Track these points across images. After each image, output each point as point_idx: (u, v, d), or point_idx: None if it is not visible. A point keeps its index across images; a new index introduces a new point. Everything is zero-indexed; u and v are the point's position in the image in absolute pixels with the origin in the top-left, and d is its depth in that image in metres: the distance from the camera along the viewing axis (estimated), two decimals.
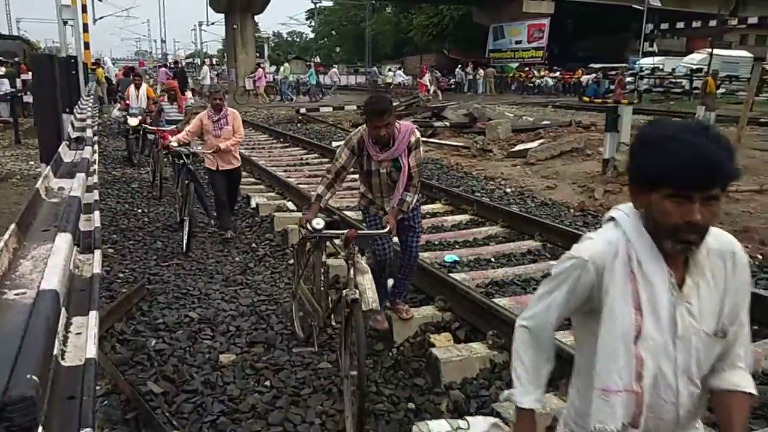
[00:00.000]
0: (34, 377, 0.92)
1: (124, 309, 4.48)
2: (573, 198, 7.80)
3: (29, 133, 14.62)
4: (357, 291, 2.98)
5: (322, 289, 3.55)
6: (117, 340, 4.00)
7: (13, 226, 1.79)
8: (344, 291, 3.02)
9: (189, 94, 21.35)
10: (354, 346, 2.84)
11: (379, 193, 3.68)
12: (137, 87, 10.84)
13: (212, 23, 57.49)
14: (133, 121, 10.14)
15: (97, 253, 2.03)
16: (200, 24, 63.30)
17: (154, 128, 8.68)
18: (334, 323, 3.63)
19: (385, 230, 3.36)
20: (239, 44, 32.54)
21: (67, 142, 3.88)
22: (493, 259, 5.50)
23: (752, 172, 8.49)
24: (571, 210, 7.29)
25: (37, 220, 2.08)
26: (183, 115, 7.87)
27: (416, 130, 3.63)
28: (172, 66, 30.22)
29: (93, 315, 1.51)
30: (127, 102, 10.87)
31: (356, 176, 3.95)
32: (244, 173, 7.60)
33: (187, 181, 6.10)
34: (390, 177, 3.58)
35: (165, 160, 7.92)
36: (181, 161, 6.20)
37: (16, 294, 1.41)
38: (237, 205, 7.09)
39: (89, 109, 8.72)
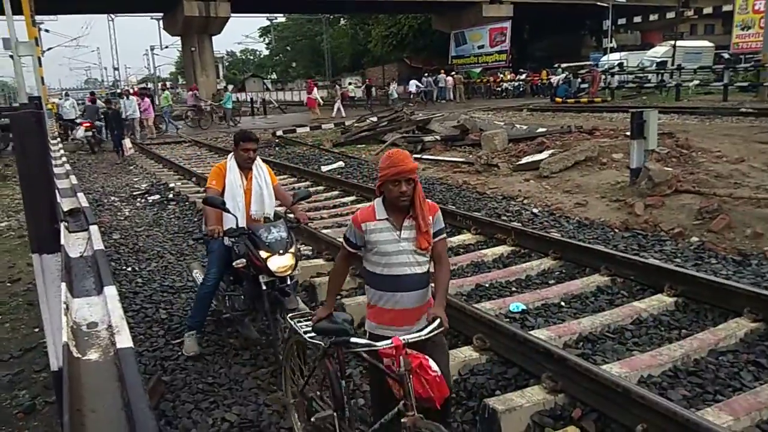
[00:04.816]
0: None
1: None
2: (610, 215, 7.15)
3: None
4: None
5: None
6: None
7: None
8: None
9: (127, 143, 16.76)
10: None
11: None
12: (245, 166, 4.15)
13: (166, 47, 56.01)
14: (273, 266, 3.83)
15: None
16: (152, 48, 61.76)
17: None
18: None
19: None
20: (198, 67, 31.34)
21: (66, 224, 2.98)
22: (563, 304, 4.77)
23: None
24: (616, 230, 6.62)
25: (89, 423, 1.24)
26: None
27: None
28: (84, 101, 23.09)
29: None
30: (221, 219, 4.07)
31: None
32: None
33: None
34: None
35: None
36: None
37: None
38: None
39: (63, 158, 7.70)
